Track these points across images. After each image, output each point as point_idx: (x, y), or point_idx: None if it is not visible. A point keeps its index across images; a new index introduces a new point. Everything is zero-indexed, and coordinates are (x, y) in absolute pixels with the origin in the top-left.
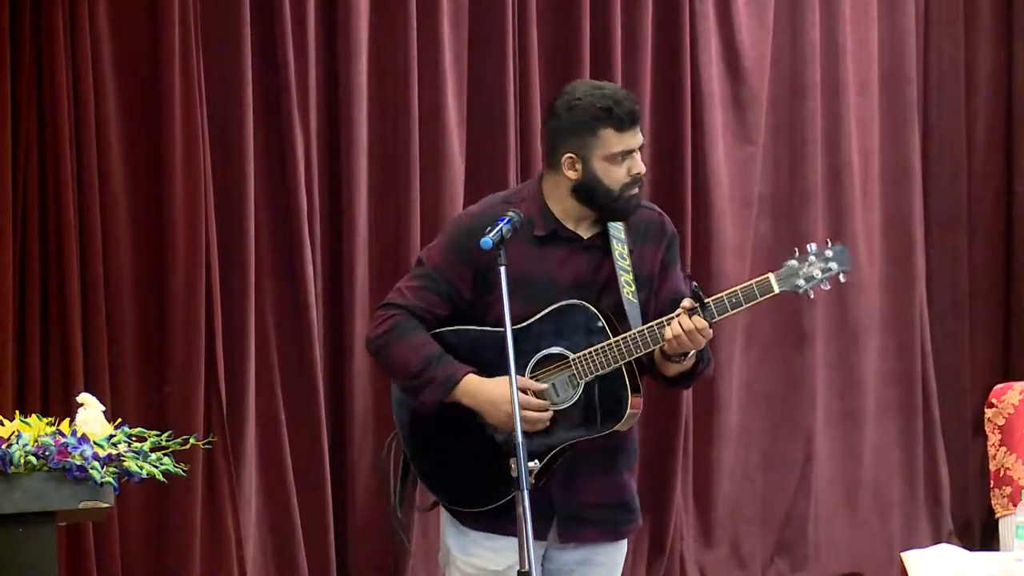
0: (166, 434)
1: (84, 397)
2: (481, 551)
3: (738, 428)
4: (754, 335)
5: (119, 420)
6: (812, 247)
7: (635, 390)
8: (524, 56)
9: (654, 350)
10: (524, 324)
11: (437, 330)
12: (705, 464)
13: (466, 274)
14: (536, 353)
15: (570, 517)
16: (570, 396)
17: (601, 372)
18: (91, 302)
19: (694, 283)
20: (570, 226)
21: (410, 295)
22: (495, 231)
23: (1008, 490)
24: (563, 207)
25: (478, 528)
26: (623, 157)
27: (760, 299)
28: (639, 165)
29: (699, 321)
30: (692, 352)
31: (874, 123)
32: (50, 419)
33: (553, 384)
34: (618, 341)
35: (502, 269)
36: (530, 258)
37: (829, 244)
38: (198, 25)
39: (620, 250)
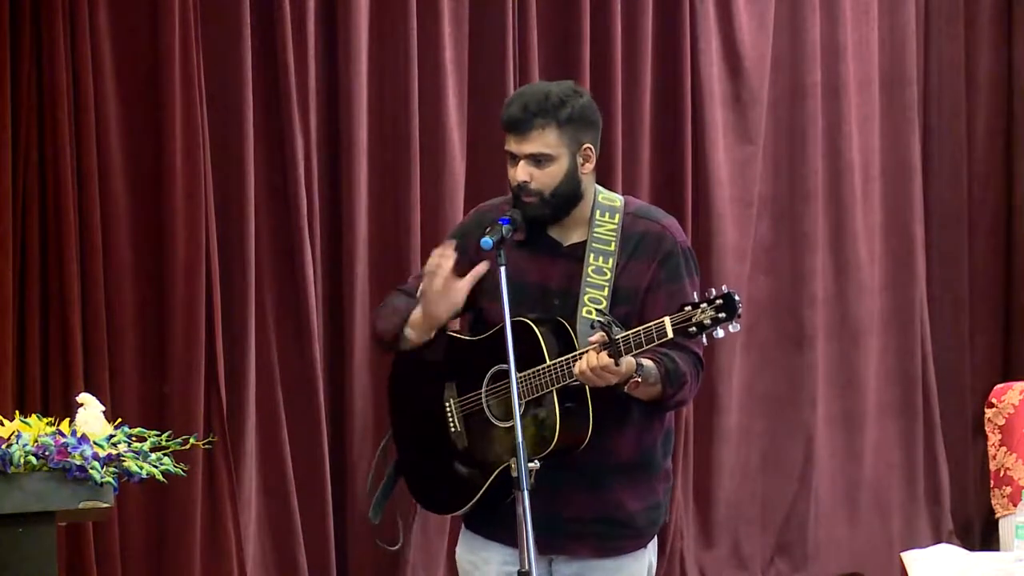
0: (166, 434)
1: (84, 397)
2: (470, 555)
3: (738, 428)
4: (754, 335)
5: (119, 420)
6: (711, 293)
7: (566, 416)
8: (524, 56)
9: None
10: (483, 336)
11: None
12: (705, 464)
13: (459, 262)
14: (491, 367)
15: (549, 529)
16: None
17: (530, 397)
18: (91, 302)
19: (606, 318)
20: (553, 232)
21: (411, 280)
22: (494, 232)
23: (1008, 490)
24: None
25: (474, 530)
26: (510, 159)
27: (657, 341)
28: (518, 174)
29: (602, 358)
30: (650, 378)
31: (874, 123)
32: (50, 419)
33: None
34: (547, 367)
35: (502, 270)
36: (509, 259)
37: (724, 290)
38: (198, 25)
39: (597, 263)
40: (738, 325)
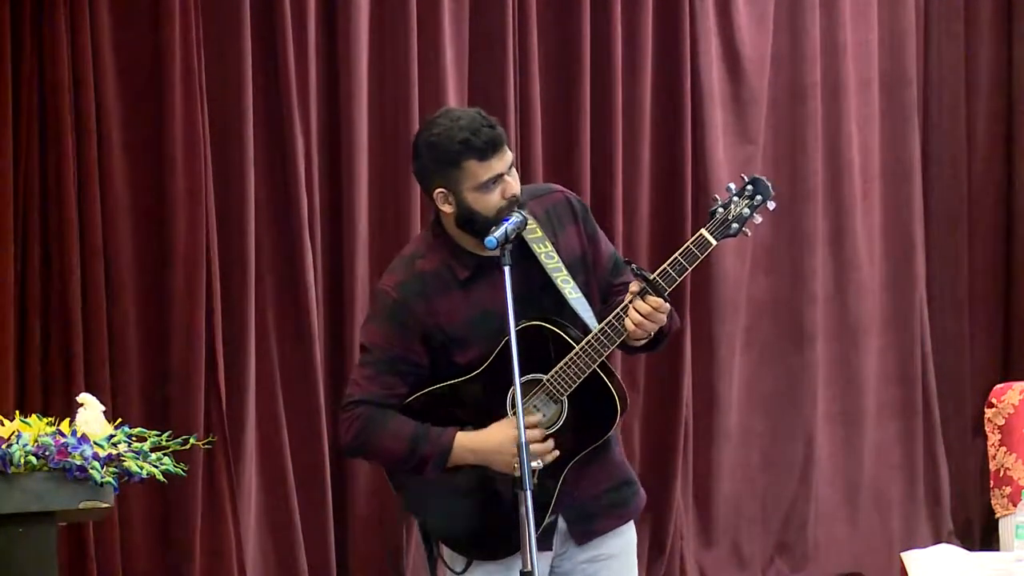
0: (166, 434)
1: (84, 397)
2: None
3: (738, 428)
4: (754, 335)
5: (119, 420)
6: (731, 187)
7: (617, 387)
8: (524, 56)
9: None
10: (485, 365)
11: (408, 400)
12: (705, 464)
13: (415, 344)
14: (509, 387)
15: (583, 516)
16: (557, 416)
17: (578, 383)
18: (91, 302)
19: (633, 264)
20: (487, 253)
21: (367, 385)
22: (499, 231)
23: (1008, 490)
24: (471, 240)
25: (490, 557)
26: (494, 183)
27: (702, 257)
28: (512, 186)
29: (653, 300)
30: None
31: (874, 123)
32: (50, 419)
33: (538, 409)
34: (584, 347)
35: (507, 269)
36: (464, 304)
37: (745, 179)
38: (198, 25)
39: (544, 249)
40: (774, 203)
